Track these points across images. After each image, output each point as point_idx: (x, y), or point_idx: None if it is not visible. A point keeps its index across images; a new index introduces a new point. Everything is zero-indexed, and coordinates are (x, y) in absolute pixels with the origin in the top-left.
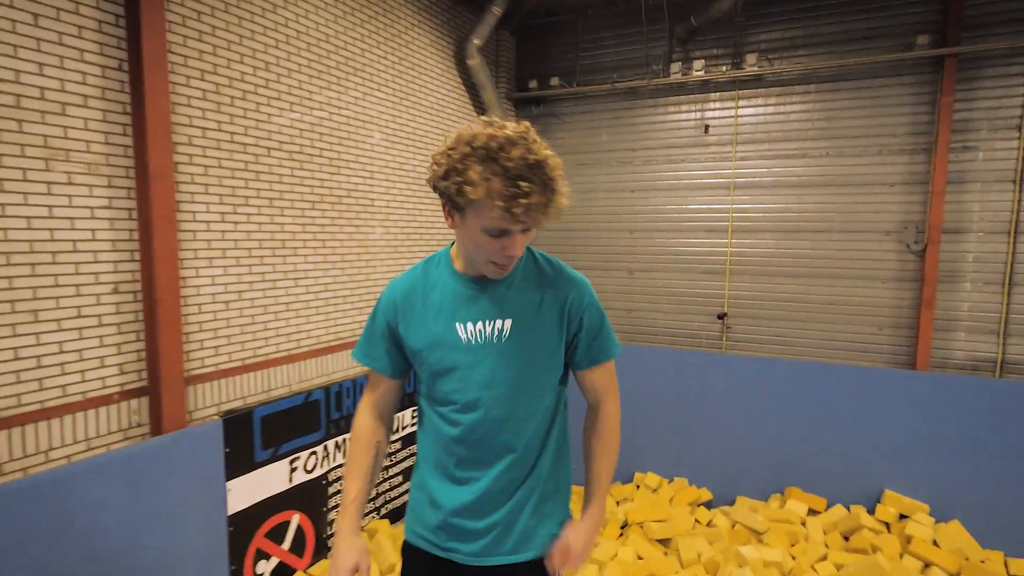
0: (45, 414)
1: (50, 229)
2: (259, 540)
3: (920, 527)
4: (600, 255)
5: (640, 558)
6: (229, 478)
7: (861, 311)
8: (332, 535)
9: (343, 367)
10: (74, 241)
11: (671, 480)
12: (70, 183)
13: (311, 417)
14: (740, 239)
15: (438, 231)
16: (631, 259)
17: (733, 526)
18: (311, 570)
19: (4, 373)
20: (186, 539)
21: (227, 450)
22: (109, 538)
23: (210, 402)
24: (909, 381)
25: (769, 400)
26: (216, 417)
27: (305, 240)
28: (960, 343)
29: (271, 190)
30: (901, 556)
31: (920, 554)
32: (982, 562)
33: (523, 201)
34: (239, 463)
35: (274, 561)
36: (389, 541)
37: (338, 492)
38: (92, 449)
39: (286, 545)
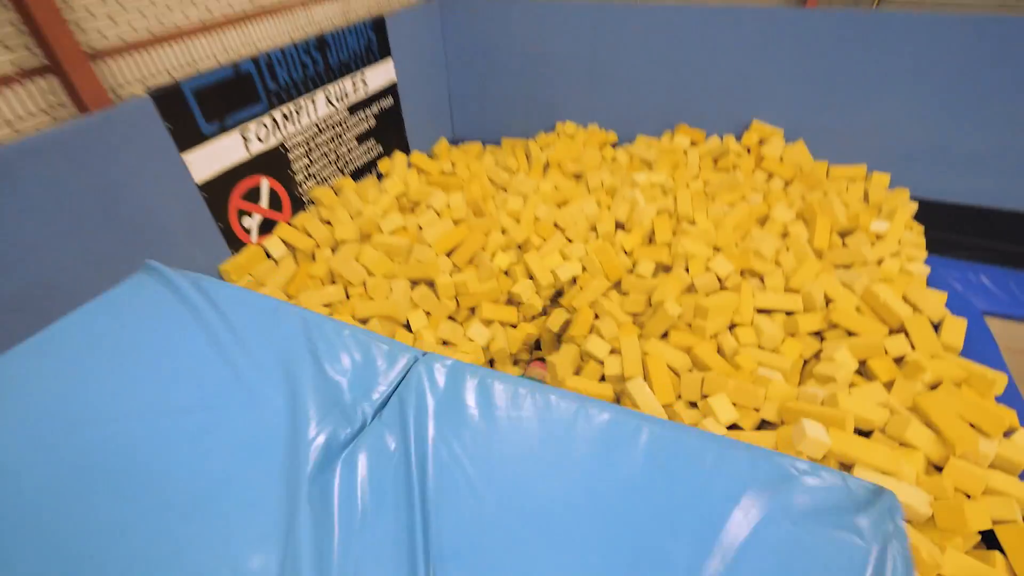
0: None
1: None
2: (237, 202)
3: (772, 148)
4: None
5: (556, 188)
6: (182, 150)
7: None
8: (304, 194)
9: (270, 36)
10: None
11: (586, 127)
12: None
13: (248, 89)
14: None
15: None
16: None
17: (631, 159)
18: (293, 220)
19: None
20: (162, 206)
21: (168, 125)
22: (79, 212)
23: (133, 78)
24: (796, 17)
25: (672, 48)
26: (143, 94)
27: None
28: None
29: None
30: (753, 172)
31: (768, 169)
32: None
33: None
34: (187, 137)
35: (257, 217)
36: (354, 194)
37: (299, 159)
38: (20, 132)
39: (263, 204)
